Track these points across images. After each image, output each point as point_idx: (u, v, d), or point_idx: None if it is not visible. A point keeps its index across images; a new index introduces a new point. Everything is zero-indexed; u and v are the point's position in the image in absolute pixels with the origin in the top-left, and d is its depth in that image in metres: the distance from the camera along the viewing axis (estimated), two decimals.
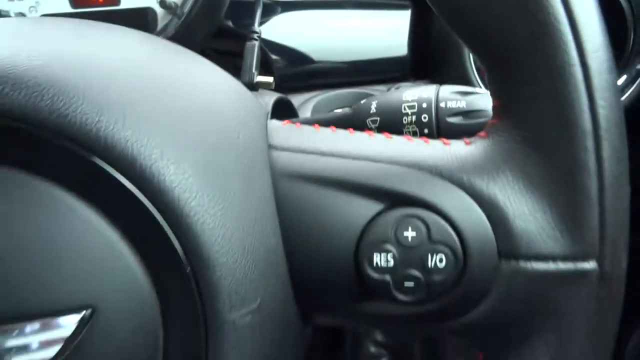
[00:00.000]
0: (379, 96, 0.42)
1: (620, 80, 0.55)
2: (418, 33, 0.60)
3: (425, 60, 0.61)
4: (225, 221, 0.23)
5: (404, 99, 0.40)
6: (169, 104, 0.24)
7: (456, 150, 0.26)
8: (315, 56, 0.63)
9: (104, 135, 0.21)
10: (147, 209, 0.22)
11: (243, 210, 0.24)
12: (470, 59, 0.56)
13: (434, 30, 0.60)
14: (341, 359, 0.95)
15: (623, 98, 0.54)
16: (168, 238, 0.22)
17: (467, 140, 0.27)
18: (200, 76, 0.27)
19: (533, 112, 0.24)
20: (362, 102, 0.42)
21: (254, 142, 0.26)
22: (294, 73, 0.61)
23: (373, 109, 0.41)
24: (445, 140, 0.28)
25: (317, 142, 0.28)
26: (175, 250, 0.22)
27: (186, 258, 0.22)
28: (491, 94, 0.27)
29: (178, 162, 0.22)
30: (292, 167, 0.26)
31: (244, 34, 0.54)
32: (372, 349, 0.87)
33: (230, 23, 0.59)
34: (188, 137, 0.23)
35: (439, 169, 0.26)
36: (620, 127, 0.24)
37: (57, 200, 0.22)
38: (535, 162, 0.24)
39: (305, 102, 0.56)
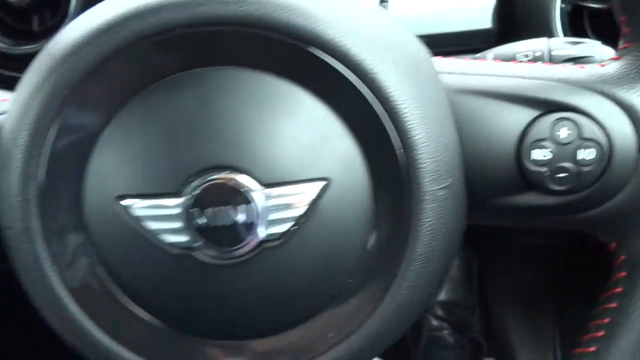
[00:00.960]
0: (493, 49, 0.48)
1: None
2: (503, 5, 0.66)
3: (510, 30, 0.66)
4: (425, 116, 0.29)
5: (517, 49, 0.46)
6: (384, 31, 0.31)
7: (594, 69, 0.32)
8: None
9: (343, 44, 0.28)
10: (370, 103, 0.29)
11: (435, 112, 0.30)
12: (556, 24, 0.61)
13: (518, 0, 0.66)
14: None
15: None
16: (384, 126, 0.29)
17: (601, 64, 0.33)
18: (387, 15, 0.33)
19: None
20: (476, 55, 0.48)
21: (431, 65, 0.33)
22: None
23: (490, 60, 0.47)
24: (581, 65, 0.34)
25: (475, 68, 0.34)
26: (389, 136, 0.29)
27: (396, 143, 0.29)
28: (622, 23, 0.32)
29: (394, 68, 0.29)
30: (460, 85, 0.33)
31: None
32: (434, 322, 0.92)
33: None
34: (397, 53, 0.30)
35: (583, 82, 0.32)
36: None
37: (300, 98, 0.29)
38: None
39: None
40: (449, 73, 0.34)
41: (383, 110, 0.29)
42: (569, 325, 0.82)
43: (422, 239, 0.29)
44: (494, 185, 0.33)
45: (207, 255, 0.29)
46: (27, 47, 0.57)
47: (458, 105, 0.32)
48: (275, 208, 0.29)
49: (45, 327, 0.31)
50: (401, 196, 0.29)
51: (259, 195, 0.28)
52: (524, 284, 0.90)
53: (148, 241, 0.29)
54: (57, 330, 0.31)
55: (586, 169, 0.31)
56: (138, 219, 0.29)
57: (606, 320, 0.33)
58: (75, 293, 0.30)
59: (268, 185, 0.29)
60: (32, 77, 0.30)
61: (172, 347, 0.31)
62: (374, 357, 0.31)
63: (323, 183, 0.29)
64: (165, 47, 0.29)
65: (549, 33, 0.62)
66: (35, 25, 0.60)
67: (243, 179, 0.28)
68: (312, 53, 0.28)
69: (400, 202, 0.29)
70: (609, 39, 0.43)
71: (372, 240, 0.30)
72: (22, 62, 0.58)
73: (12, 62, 0.58)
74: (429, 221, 0.29)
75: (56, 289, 0.30)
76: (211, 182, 0.28)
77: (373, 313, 0.30)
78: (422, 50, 0.33)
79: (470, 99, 0.32)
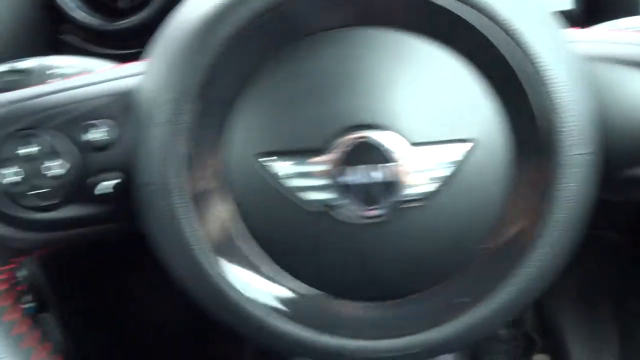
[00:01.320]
0: (594, 27, 0.47)
1: None
2: None
3: (594, 11, 0.65)
4: (569, 80, 0.29)
5: (622, 26, 0.45)
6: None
7: None
8: None
9: (490, 2, 0.28)
10: (516, 63, 0.28)
11: (576, 77, 0.30)
12: None
13: None
14: None
15: None
16: (530, 88, 0.28)
17: None
18: None
19: None
20: None
21: (564, 33, 0.32)
22: None
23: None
24: None
25: (603, 36, 0.33)
26: (535, 98, 0.28)
27: (541, 105, 0.29)
28: None
29: (538, 30, 0.29)
30: (593, 53, 0.32)
31: None
32: None
33: None
34: (539, 17, 0.30)
35: None
36: None
37: (445, 58, 0.29)
38: None
39: None
40: (578, 42, 0.33)
41: (530, 72, 0.28)
42: (628, 323, 0.80)
43: (563, 204, 0.29)
44: (630, 155, 0.32)
45: (346, 213, 0.29)
46: (118, 23, 0.58)
47: (593, 74, 0.32)
48: (421, 168, 0.29)
49: (174, 286, 0.32)
50: (544, 160, 0.29)
51: (405, 154, 0.28)
52: (580, 278, 0.88)
53: (286, 199, 0.29)
54: (189, 287, 0.31)
55: None
56: (278, 176, 0.29)
57: None
58: (211, 251, 0.30)
59: (415, 144, 0.29)
60: (173, 40, 0.30)
61: (306, 304, 0.31)
62: (506, 321, 0.31)
63: (470, 144, 0.29)
64: (309, 5, 0.29)
65: (635, 13, 0.61)
66: (122, 3, 0.62)
67: (390, 138, 0.28)
68: (459, 12, 0.28)
69: (542, 167, 0.29)
70: None
71: (512, 202, 0.30)
72: (111, 38, 0.60)
73: (102, 38, 0.59)
74: (571, 186, 0.29)
75: (192, 247, 0.30)
76: (358, 140, 0.28)
77: (509, 278, 0.30)
78: (553, 17, 0.33)
79: (603, 66, 0.32)
